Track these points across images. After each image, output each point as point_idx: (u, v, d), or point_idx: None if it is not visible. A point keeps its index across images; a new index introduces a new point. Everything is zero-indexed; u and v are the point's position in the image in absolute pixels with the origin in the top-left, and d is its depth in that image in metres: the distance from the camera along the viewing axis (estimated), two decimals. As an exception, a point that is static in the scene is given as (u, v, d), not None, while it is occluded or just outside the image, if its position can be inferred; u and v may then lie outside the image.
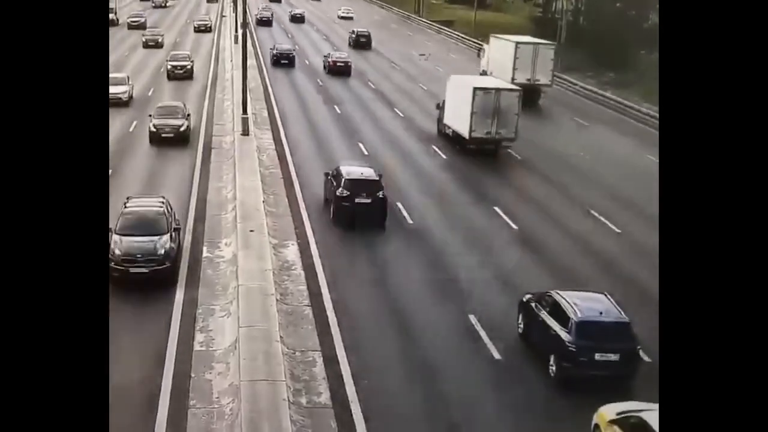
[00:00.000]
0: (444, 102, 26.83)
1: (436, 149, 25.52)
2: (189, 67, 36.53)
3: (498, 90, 24.75)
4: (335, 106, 31.45)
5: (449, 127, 26.08)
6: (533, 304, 12.88)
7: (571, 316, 11.82)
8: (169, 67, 36.31)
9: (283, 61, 41.49)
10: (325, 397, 11.22)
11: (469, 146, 24.68)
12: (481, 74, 36.14)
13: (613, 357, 11.60)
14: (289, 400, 10.49)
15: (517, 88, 26.15)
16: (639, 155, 26.50)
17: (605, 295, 12.69)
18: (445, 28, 65.71)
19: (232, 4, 59.66)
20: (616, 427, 9.89)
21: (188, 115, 25.50)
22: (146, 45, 46.36)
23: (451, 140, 25.81)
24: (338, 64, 39.70)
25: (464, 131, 24.63)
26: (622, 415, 9.92)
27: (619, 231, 18.59)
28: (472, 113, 24.10)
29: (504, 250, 16.86)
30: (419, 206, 19.39)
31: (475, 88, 24.43)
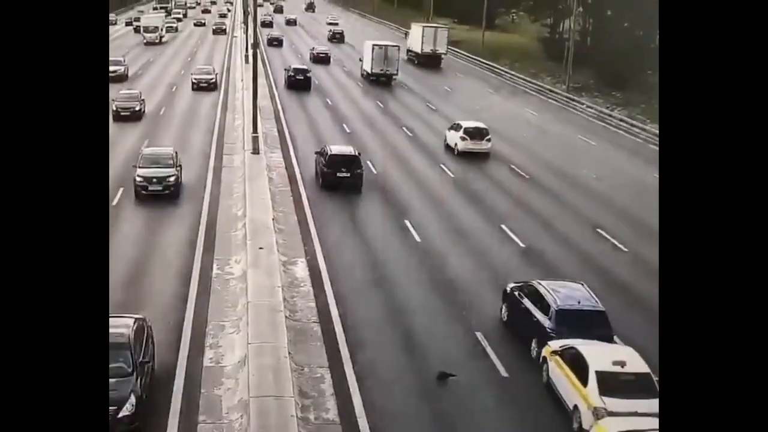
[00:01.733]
0: (362, 57, 47.46)
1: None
2: (172, 179, 20.79)
3: (386, 46, 45.08)
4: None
5: (364, 70, 46.25)
6: (516, 293, 14.17)
7: (552, 304, 13.00)
8: (137, 179, 20.56)
9: (275, 42, 61.68)
10: (333, 414, 11.31)
11: (372, 78, 44.95)
12: (408, 50, 56.23)
13: None
14: (297, 417, 10.55)
15: (397, 44, 46.81)
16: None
17: (583, 285, 13.94)
18: (453, 48, 66.27)
19: (243, 25, 60.09)
20: (557, 357, 11.99)
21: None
22: (117, 116, 30.15)
23: (365, 77, 45.99)
24: (320, 54, 53.05)
25: (369, 69, 45.14)
26: (563, 348, 11.99)
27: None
28: (372, 59, 44.38)
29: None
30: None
31: (373, 45, 44.71)
